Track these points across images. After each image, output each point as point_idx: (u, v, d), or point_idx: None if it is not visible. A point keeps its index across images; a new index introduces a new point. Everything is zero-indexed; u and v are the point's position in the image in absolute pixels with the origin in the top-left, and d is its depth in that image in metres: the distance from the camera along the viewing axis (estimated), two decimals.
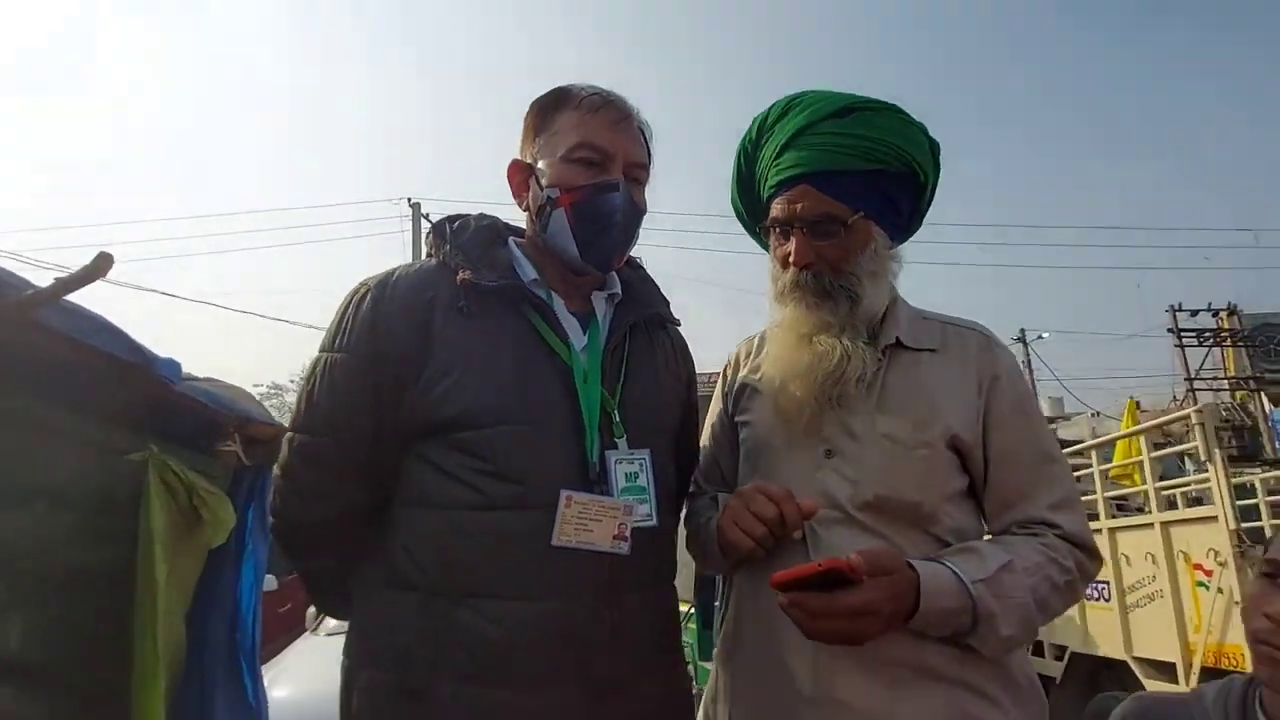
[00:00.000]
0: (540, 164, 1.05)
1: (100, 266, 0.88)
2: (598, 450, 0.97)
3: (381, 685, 0.94)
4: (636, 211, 1.06)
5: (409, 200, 16.73)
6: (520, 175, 1.09)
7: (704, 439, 1.28)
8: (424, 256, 1.11)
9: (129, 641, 1.36)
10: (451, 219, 1.11)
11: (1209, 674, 3.43)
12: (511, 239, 1.11)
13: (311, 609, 4.09)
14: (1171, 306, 22.50)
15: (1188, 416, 3.69)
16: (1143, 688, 3.83)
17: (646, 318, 1.13)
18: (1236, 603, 3.26)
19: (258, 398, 1.79)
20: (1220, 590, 3.36)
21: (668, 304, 1.18)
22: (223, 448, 1.66)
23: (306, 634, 3.81)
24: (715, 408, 1.28)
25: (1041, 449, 1.05)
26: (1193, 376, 21.92)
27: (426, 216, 16.66)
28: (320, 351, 1.02)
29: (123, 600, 1.35)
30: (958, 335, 1.12)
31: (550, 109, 1.05)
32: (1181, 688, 3.51)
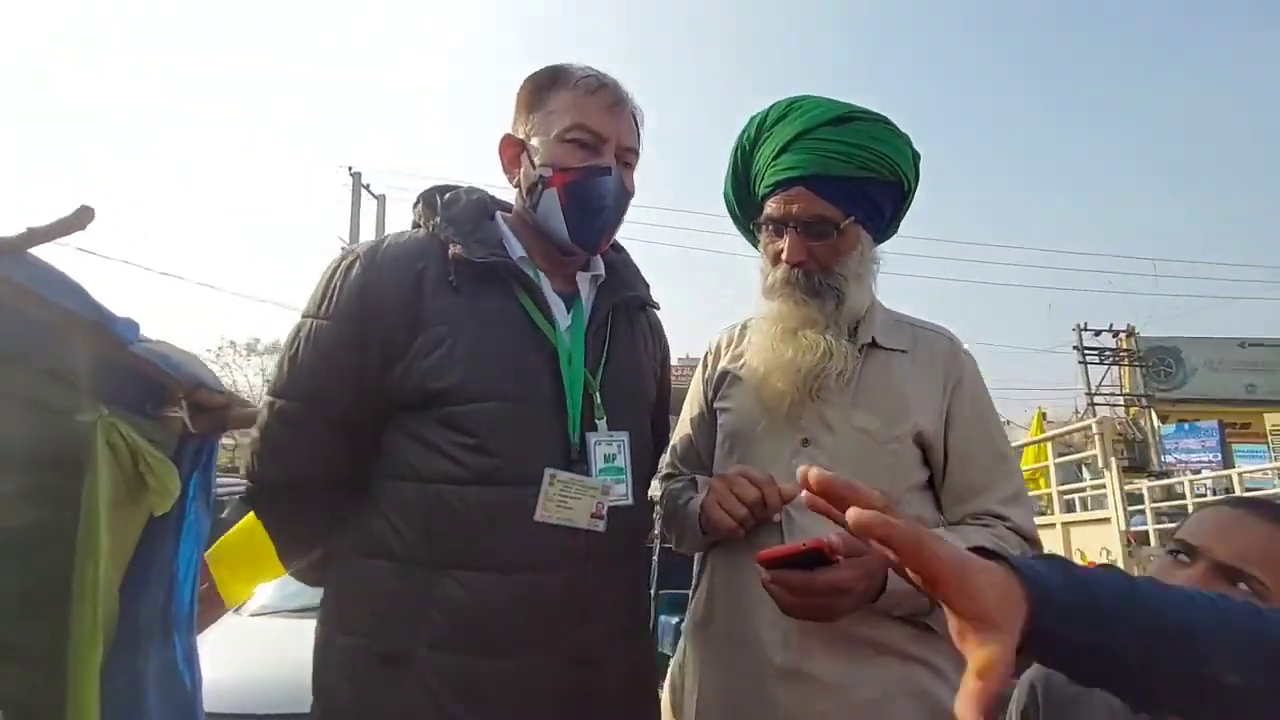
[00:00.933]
0: (533, 141, 1.06)
1: (81, 218, 0.86)
2: (579, 431, 1.00)
3: (358, 650, 0.96)
4: (626, 195, 1.08)
5: (350, 169, 16.09)
6: (512, 150, 1.10)
7: (682, 423, 1.33)
8: (410, 227, 1.11)
9: (68, 607, 1.31)
10: (441, 190, 1.11)
11: None
12: (499, 214, 1.12)
13: None
14: (1077, 325, 24.14)
15: (1088, 428, 4.02)
16: None
17: (627, 300, 1.16)
18: None
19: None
20: None
21: (648, 287, 1.21)
22: (169, 413, 1.61)
23: (229, 614, 3.67)
24: (695, 393, 1.33)
25: (996, 449, 1.15)
26: (1093, 392, 23.59)
27: (367, 187, 16.09)
28: (304, 317, 1.01)
29: (64, 565, 1.30)
30: (926, 339, 1.20)
31: (545, 86, 1.06)
32: None
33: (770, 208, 1.16)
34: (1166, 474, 18.64)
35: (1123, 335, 23.88)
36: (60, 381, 1.26)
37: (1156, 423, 22.73)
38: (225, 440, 1.90)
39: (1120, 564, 3.53)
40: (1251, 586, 0.83)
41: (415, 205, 1.11)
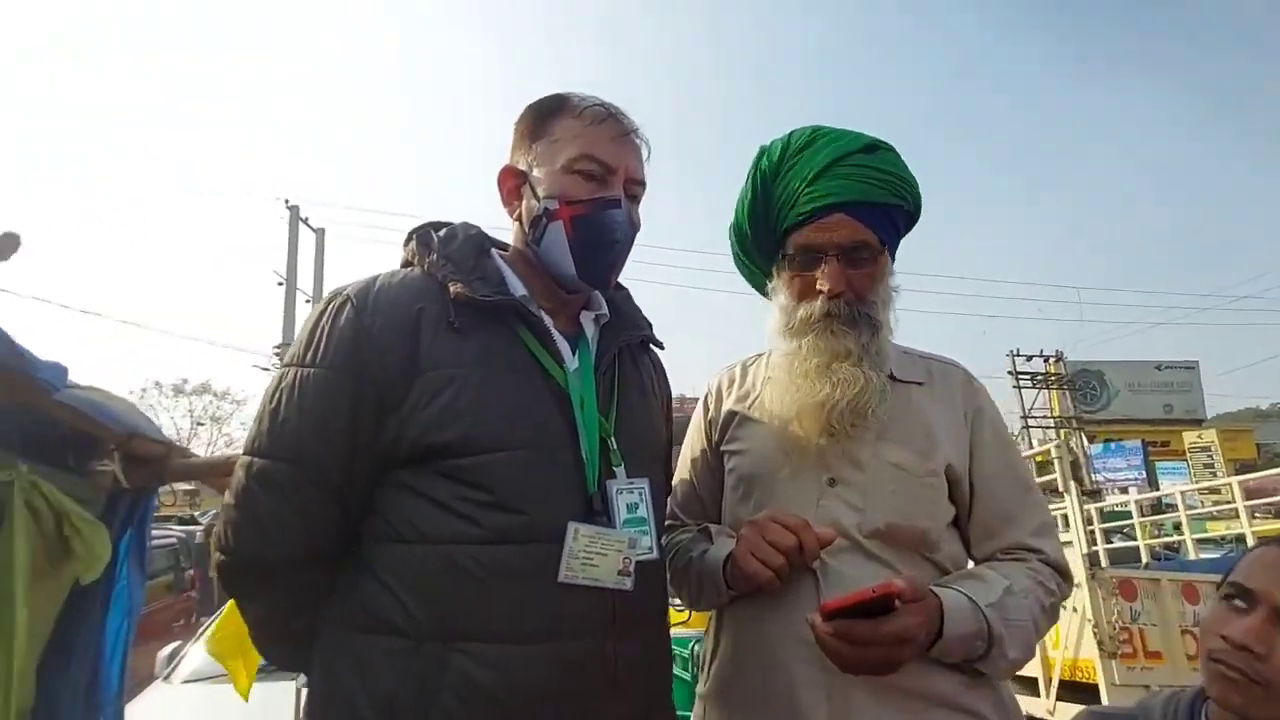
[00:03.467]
0: (536, 172, 0.99)
1: (4, 247, 0.74)
2: (598, 479, 0.92)
3: None
4: (634, 229, 1.02)
5: (286, 202, 15.64)
6: (512, 181, 1.03)
7: (681, 468, 1.25)
8: (400, 265, 1.01)
9: None
10: (435, 225, 1.02)
11: (1066, 686, 3.80)
12: (494, 251, 1.04)
13: (164, 651, 3.57)
14: (1010, 351, 25.31)
15: (1048, 452, 4.12)
16: None
17: (631, 339, 1.08)
18: (1088, 620, 3.64)
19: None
20: (1075, 609, 3.70)
21: (651, 325, 1.14)
22: (98, 467, 1.44)
23: (157, 681, 3.31)
24: (694, 438, 1.25)
25: (1021, 478, 1.11)
26: (1026, 414, 24.63)
27: (305, 220, 15.67)
28: (287, 367, 0.90)
29: None
30: (941, 370, 1.17)
31: (548, 115, 1.00)
32: (1043, 701, 3.88)
33: (804, 236, 1.10)
34: (1097, 492, 19.51)
35: (1051, 360, 25.14)
36: None
37: (1086, 443, 23.87)
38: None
39: (1084, 587, 3.58)
40: None
41: (407, 243, 1.02)
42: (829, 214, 1.09)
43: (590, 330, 1.04)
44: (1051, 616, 1.04)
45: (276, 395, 0.88)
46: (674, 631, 1.08)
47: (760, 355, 1.25)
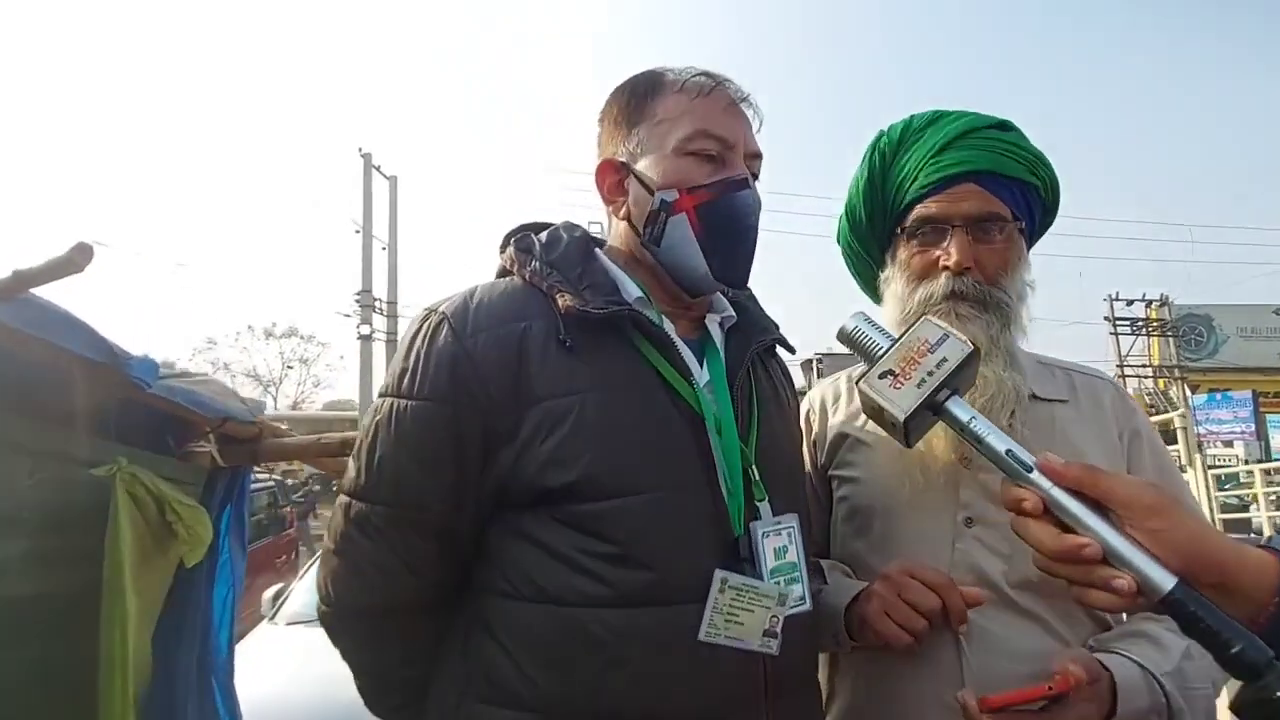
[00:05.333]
0: (642, 162, 0.85)
1: (76, 260, 0.69)
2: (742, 519, 0.78)
3: None
4: (760, 211, 0.87)
5: (360, 150, 15.87)
6: (614, 177, 0.88)
7: None
8: (496, 275, 0.90)
9: (92, 672, 1.17)
10: (534, 228, 0.91)
11: None
12: (598, 251, 0.90)
13: (269, 591, 3.81)
14: (1109, 295, 23.55)
15: (1170, 423, 3.75)
16: None
17: (765, 345, 0.92)
18: None
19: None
20: None
21: (778, 325, 0.98)
22: (195, 448, 1.45)
23: (264, 622, 3.55)
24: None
25: (1188, 509, 0.95)
26: (1122, 362, 23.08)
27: (379, 168, 15.90)
28: (382, 397, 0.80)
29: (82, 627, 1.16)
30: (1087, 384, 1.00)
31: (645, 95, 0.86)
32: None
33: (927, 208, 0.96)
34: (1198, 446, 18.21)
35: (1154, 304, 23.26)
36: (71, 429, 1.10)
37: (1188, 393, 22.22)
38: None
39: None
40: None
41: (503, 249, 0.90)
42: (956, 183, 0.94)
43: (718, 336, 0.90)
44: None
45: (373, 430, 0.78)
46: None
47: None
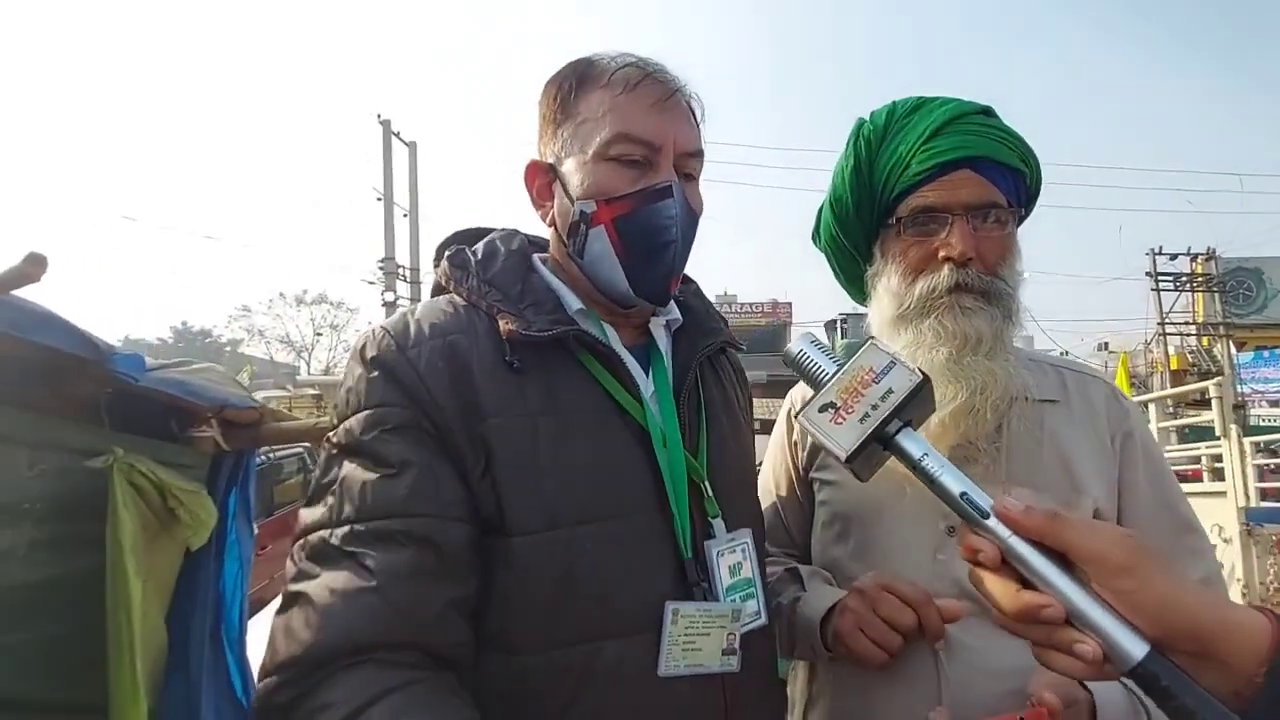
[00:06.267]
0: (566, 165, 0.79)
1: (30, 271, 0.68)
2: (690, 539, 0.74)
3: None
4: (693, 218, 0.81)
5: (379, 117, 15.77)
6: (542, 179, 0.82)
7: (763, 491, 1.06)
8: (432, 293, 0.85)
9: (104, 655, 1.22)
10: (465, 237, 0.85)
11: None
12: (536, 257, 0.86)
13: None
14: (1151, 250, 22.65)
15: (1205, 390, 3.59)
16: None
17: (712, 349, 0.87)
18: (1238, 579, 3.21)
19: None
20: (1220, 565, 3.25)
21: (726, 323, 0.94)
22: (198, 433, 1.48)
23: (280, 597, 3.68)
24: (778, 457, 1.08)
25: (1180, 518, 0.91)
26: (1163, 320, 22.30)
27: (398, 134, 15.81)
28: (335, 427, 0.71)
29: (93, 611, 1.20)
30: (1079, 383, 0.96)
31: (570, 90, 0.79)
32: None
33: (923, 197, 0.91)
34: (1241, 406, 17.60)
35: (1200, 258, 22.29)
36: (65, 420, 1.12)
37: (1234, 351, 21.42)
38: None
39: (1237, 546, 3.15)
40: None
41: (436, 263, 0.84)
42: (951, 170, 0.89)
43: (663, 341, 0.85)
44: None
45: (328, 466, 0.70)
46: None
47: None
